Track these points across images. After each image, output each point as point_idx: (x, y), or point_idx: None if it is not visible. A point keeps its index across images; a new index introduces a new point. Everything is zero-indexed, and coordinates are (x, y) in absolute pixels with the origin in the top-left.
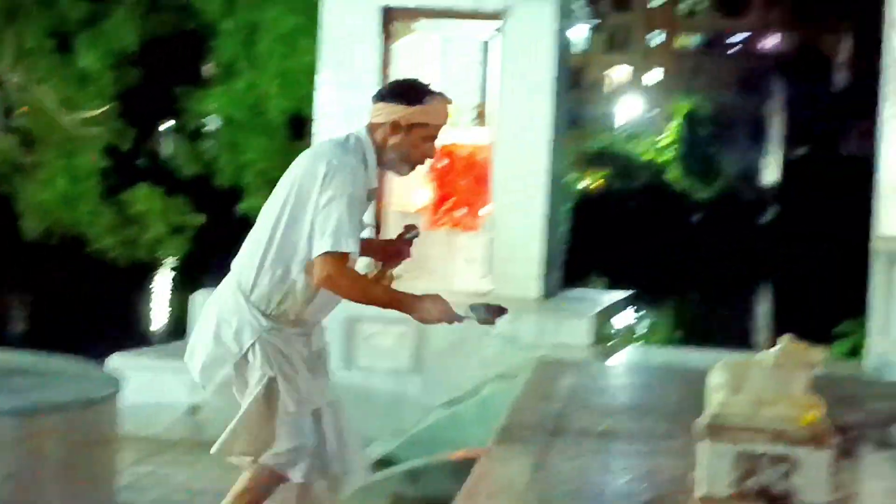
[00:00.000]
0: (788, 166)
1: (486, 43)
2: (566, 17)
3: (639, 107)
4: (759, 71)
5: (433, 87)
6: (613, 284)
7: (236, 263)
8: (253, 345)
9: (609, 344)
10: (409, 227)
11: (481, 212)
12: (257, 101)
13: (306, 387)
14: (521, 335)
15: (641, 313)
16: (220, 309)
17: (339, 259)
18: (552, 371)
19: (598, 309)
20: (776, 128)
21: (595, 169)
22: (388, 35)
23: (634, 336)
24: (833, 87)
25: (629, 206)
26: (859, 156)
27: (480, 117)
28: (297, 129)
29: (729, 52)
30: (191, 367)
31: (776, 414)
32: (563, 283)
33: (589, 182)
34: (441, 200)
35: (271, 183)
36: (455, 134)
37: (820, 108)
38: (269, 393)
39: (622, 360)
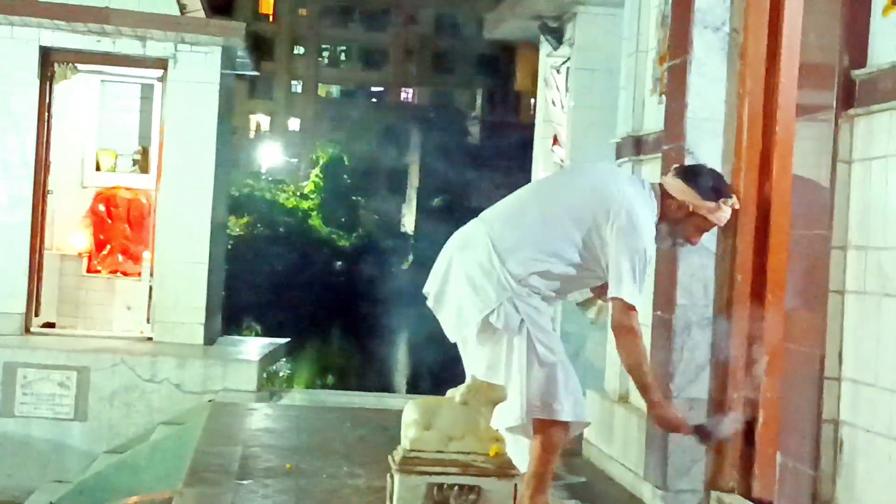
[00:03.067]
0: (424, 215)
1: (149, 87)
2: (229, 66)
3: (282, 153)
4: (397, 122)
5: (730, 192)
6: (265, 330)
7: (494, 225)
8: (503, 303)
9: (273, 388)
10: None
11: (142, 257)
12: None
13: (555, 341)
14: (187, 381)
15: (296, 358)
16: (473, 262)
17: (633, 312)
18: (228, 414)
19: (260, 355)
20: (414, 178)
21: (240, 215)
22: (47, 77)
23: (293, 381)
24: (467, 140)
25: (273, 253)
26: (487, 207)
27: (141, 163)
28: None
29: (368, 101)
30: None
31: (464, 447)
32: (222, 329)
33: (233, 227)
34: (100, 246)
35: None
36: (115, 179)
37: (454, 160)
38: (529, 346)
39: (287, 403)
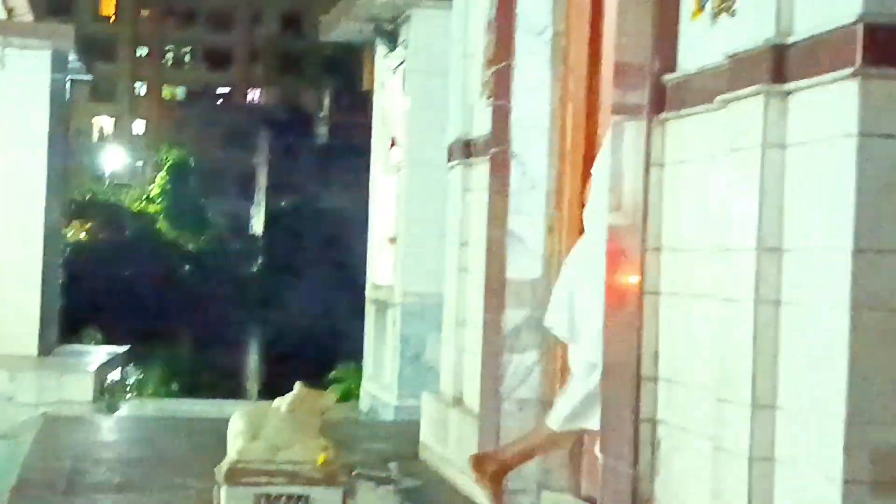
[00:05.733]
0: (274, 217)
1: None
2: (60, 69)
3: (127, 157)
4: (244, 123)
5: None
6: (108, 338)
7: None
8: None
9: (111, 398)
10: None
11: None
12: None
13: None
14: (20, 394)
15: (139, 366)
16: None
17: None
18: (58, 428)
19: (98, 364)
20: (262, 179)
21: (83, 220)
22: None
23: (134, 389)
24: (315, 140)
25: (118, 258)
26: (340, 208)
27: None
28: None
29: (215, 103)
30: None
31: (292, 457)
32: (59, 338)
33: (76, 233)
34: None
35: None
36: None
37: (302, 161)
38: None
39: (125, 413)
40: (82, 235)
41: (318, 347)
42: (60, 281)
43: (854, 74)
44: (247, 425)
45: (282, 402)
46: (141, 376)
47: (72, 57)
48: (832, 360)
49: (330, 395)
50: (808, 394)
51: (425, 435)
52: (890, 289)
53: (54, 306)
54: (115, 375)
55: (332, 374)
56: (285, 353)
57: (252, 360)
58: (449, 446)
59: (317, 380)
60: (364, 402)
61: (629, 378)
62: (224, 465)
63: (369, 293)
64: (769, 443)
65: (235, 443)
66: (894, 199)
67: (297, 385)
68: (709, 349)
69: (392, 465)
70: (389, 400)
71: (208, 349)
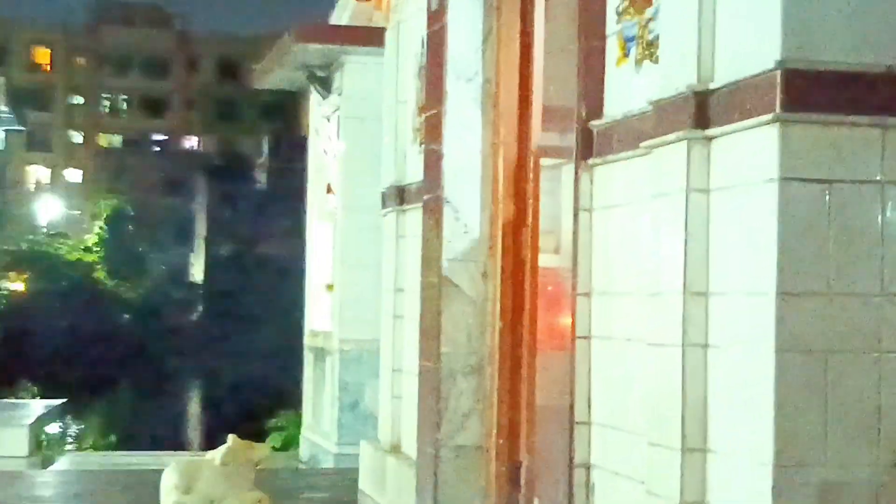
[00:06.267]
0: (213, 264)
1: None
2: None
3: (62, 206)
4: (182, 171)
5: None
6: (44, 391)
7: None
8: None
9: (47, 452)
10: None
11: None
12: None
13: None
14: None
15: (75, 419)
16: None
17: None
18: None
19: (33, 418)
20: (201, 227)
21: (19, 270)
22: None
23: (70, 442)
24: (253, 187)
25: (55, 309)
26: (278, 254)
27: None
28: None
29: (152, 151)
30: None
31: None
32: None
33: (10, 283)
34: None
35: None
36: None
37: (241, 207)
38: None
39: (62, 467)
40: (18, 287)
41: (259, 395)
42: None
43: (774, 120)
44: (180, 479)
45: (215, 455)
46: (79, 429)
47: (3, 107)
48: (759, 402)
49: (263, 447)
50: (736, 437)
51: (364, 483)
52: (813, 332)
53: None
54: (51, 429)
55: (273, 421)
56: (225, 401)
57: (192, 409)
58: (387, 494)
59: (258, 427)
60: (304, 451)
61: (564, 423)
62: None
63: (308, 340)
64: (700, 487)
65: (169, 497)
66: (815, 243)
67: (231, 437)
68: (640, 393)
69: None
70: (329, 447)
71: (148, 399)
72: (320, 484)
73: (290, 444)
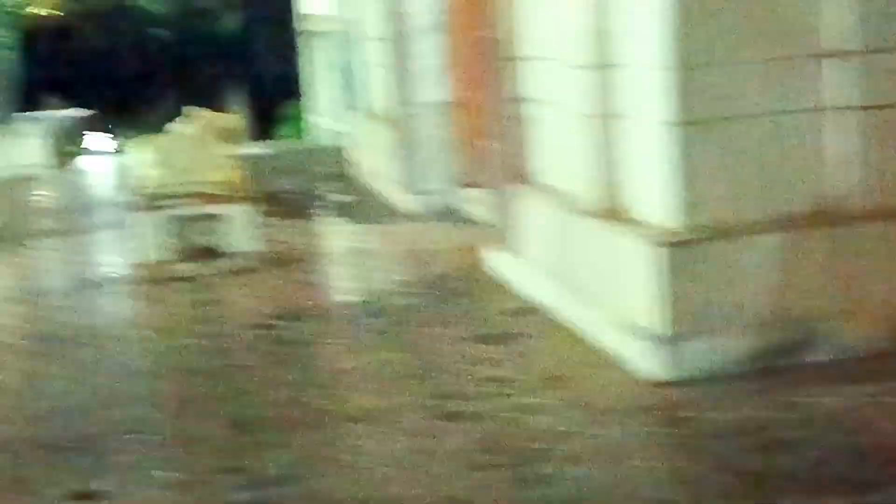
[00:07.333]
0: None
1: None
2: None
3: None
4: None
5: None
6: (80, 104)
7: None
8: None
9: (71, 159)
10: None
11: None
12: None
13: None
14: None
15: (113, 130)
16: None
17: None
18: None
19: (57, 128)
20: None
21: None
22: None
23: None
24: None
25: (88, 28)
26: None
27: None
28: None
29: None
30: None
31: (202, 179)
32: (19, 107)
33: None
34: None
35: None
36: None
37: None
38: None
39: (76, 168)
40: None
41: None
42: (15, 53)
43: None
44: (155, 153)
45: (186, 128)
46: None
47: None
48: None
49: (235, 117)
50: None
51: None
52: None
53: (8, 77)
54: (83, 139)
55: (284, 109)
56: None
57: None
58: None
59: (271, 118)
60: (306, 132)
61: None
62: (137, 193)
63: (300, 23)
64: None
65: (145, 171)
66: None
67: (200, 110)
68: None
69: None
70: (327, 125)
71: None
72: (321, 160)
73: (301, 130)
